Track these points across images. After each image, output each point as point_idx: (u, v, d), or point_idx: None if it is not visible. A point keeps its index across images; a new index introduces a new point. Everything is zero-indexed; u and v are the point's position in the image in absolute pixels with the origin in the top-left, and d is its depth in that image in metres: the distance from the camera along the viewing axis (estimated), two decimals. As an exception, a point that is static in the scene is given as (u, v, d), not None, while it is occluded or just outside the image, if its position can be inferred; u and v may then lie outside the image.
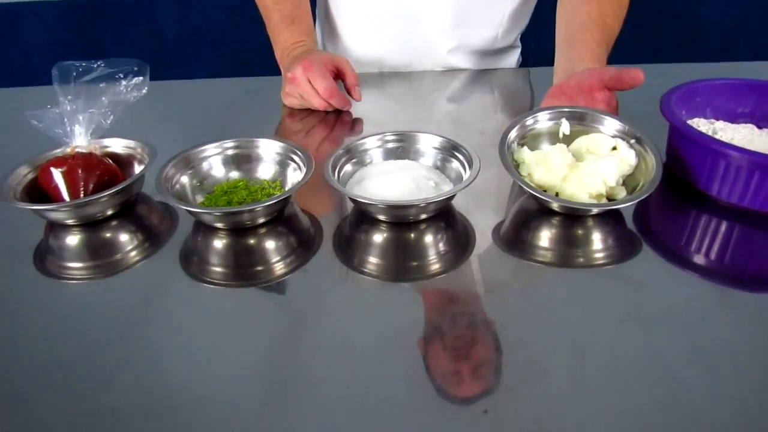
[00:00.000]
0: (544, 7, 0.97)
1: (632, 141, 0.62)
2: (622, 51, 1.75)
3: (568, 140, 0.65)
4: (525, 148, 0.63)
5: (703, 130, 0.65)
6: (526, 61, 1.07)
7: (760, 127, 0.69)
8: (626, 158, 0.60)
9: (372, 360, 0.46)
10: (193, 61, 1.68)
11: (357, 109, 0.87)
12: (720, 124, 0.68)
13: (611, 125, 0.64)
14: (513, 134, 0.63)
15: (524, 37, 1.07)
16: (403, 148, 0.66)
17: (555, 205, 0.58)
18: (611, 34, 0.78)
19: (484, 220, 0.61)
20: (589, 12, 0.78)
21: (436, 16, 0.93)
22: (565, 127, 0.65)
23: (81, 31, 1.60)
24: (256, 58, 1.70)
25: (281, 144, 0.65)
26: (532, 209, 0.61)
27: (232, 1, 1.62)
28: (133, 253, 0.59)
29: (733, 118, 0.70)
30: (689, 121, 0.68)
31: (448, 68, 0.99)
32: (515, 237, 0.59)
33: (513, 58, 1.04)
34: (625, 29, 1.76)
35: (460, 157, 0.63)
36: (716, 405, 0.42)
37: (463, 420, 0.41)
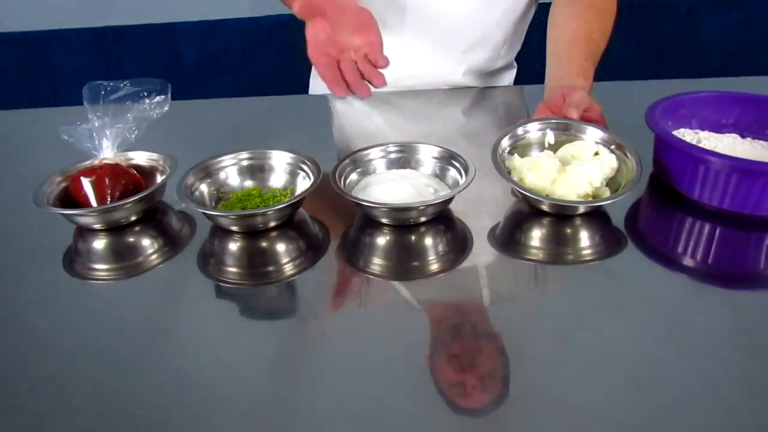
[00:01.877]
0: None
1: (612, 147, 0.67)
2: (626, 71, 1.81)
3: (553, 149, 0.70)
4: (515, 155, 0.68)
5: (688, 140, 0.69)
6: (522, 80, 1.12)
7: (743, 137, 0.73)
8: (608, 162, 0.65)
9: (374, 346, 0.51)
10: (210, 85, 1.76)
11: (367, 125, 0.92)
12: (704, 134, 0.72)
13: (593, 134, 0.69)
14: (504, 143, 0.68)
15: (526, 58, 1.12)
16: (404, 158, 0.70)
17: (545, 205, 0.63)
18: (597, 49, 0.83)
19: (481, 223, 0.65)
20: (577, 29, 0.83)
21: (451, 43, 0.99)
22: (549, 137, 0.70)
23: (105, 57, 1.69)
24: (271, 81, 1.77)
25: (291, 155, 0.70)
26: (525, 211, 0.66)
27: (249, 28, 1.70)
28: (155, 256, 0.64)
29: (717, 129, 0.74)
30: (675, 132, 0.72)
31: (452, 87, 1.04)
32: (509, 237, 0.64)
33: (510, 77, 1.09)
34: (627, 49, 1.80)
35: (457, 165, 0.67)
36: (689, 383, 0.45)
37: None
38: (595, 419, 0.43)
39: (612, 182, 0.66)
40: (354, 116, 0.99)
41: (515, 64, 1.10)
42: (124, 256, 0.65)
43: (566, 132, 0.70)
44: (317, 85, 1.13)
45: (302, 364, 0.49)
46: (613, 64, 1.78)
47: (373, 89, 1.02)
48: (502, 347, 0.50)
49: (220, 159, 0.70)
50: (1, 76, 1.71)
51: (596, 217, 0.64)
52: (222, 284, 0.59)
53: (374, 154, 0.70)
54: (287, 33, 1.70)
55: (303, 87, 1.17)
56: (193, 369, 0.50)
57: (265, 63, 1.75)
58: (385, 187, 0.66)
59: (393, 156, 0.70)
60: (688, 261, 0.60)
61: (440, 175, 0.69)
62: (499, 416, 0.44)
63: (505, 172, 0.64)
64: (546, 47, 0.87)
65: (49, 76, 1.71)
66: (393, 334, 0.52)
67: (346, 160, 0.68)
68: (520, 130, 0.70)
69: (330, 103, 1.03)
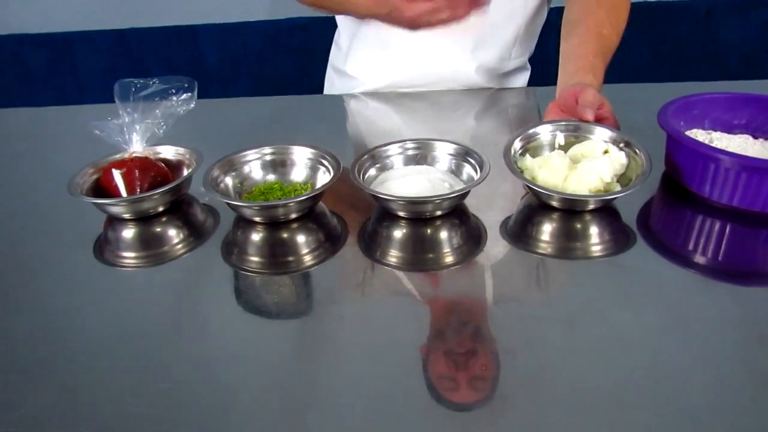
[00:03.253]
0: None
1: (621, 144, 0.69)
2: (642, 73, 1.81)
3: (563, 149, 0.71)
4: (527, 156, 0.71)
5: (701, 140, 0.70)
6: (536, 83, 1.13)
7: (755, 138, 0.74)
8: (617, 158, 0.67)
9: (390, 333, 0.53)
10: (230, 85, 1.79)
11: (382, 124, 0.95)
12: (717, 134, 0.73)
13: (602, 134, 0.71)
14: (516, 145, 0.71)
15: (541, 61, 1.13)
16: (421, 155, 0.73)
17: (556, 199, 0.64)
18: (608, 44, 0.84)
19: (494, 218, 0.67)
20: (587, 26, 0.84)
21: (459, 42, 1.00)
22: (559, 138, 0.72)
23: (129, 57, 1.73)
24: (289, 82, 1.81)
25: (312, 150, 0.73)
26: (536, 207, 0.68)
27: (268, 30, 1.73)
28: (180, 245, 0.67)
29: (729, 129, 0.76)
30: (688, 132, 0.73)
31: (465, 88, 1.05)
32: (521, 232, 0.65)
33: (524, 80, 1.11)
34: (645, 52, 1.81)
35: (472, 161, 0.69)
36: (694, 371, 0.47)
37: (467, 379, 0.48)
38: (601, 403, 0.45)
39: (622, 179, 0.67)
40: (369, 116, 1.01)
41: (529, 66, 1.11)
42: (151, 245, 0.68)
43: (575, 133, 0.72)
44: (331, 86, 1.16)
45: (321, 348, 0.52)
46: (630, 66, 1.79)
47: (384, 90, 1.05)
48: (509, 330, 0.52)
49: (244, 153, 0.73)
50: (29, 75, 1.77)
51: (607, 213, 0.66)
52: (244, 272, 0.62)
53: (392, 150, 0.72)
54: (305, 35, 1.73)
55: (320, 88, 1.20)
56: (218, 350, 0.52)
57: (284, 64, 1.78)
58: (403, 182, 0.68)
59: (410, 152, 0.73)
60: (697, 257, 0.61)
61: (456, 171, 0.71)
62: (510, 400, 0.46)
63: (517, 171, 0.66)
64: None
65: (75, 76, 1.76)
66: (409, 321, 0.54)
67: (365, 156, 0.71)
68: (531, 132, 0.72)
69: (345, 103, 1.06)
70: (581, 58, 0.80)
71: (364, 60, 1.06)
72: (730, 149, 0.69)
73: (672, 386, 0.46)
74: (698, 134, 0.74)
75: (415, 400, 0.46)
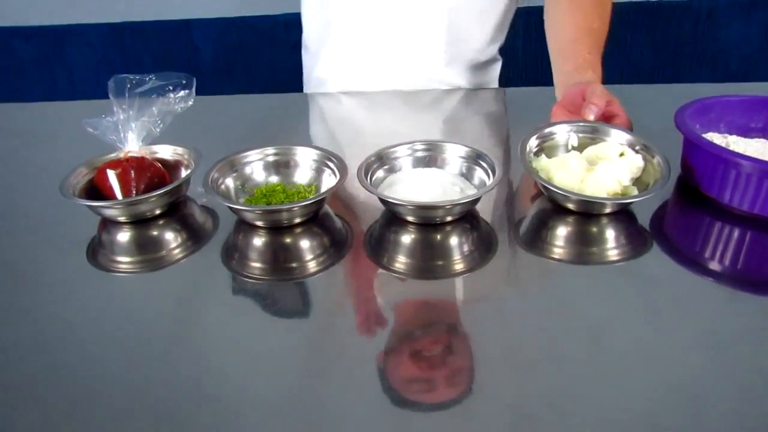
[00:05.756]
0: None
1: (637, 147, 0.67)
2: (643, 73, 1.80)
3: (578, 150, 0.69)
4: (542, 156, 0.68)
5: (718, 144, 0.68)
6: (506, 72, 1.11)
7: (772, 142, 0.72)
8: (634, 161, 0.65)
9: (401, 340, 0.50)
10: (226, 81, 1.76)
11: (388, 126, 0.92)
12: (733, 138, 0.71)
13: (618, 136, 0.69)
14: (532, 143, 0.68)
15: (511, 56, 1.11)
16: (431, 157, 0.70)
17: (573, 201, 0.62)
18: (600, 37, 0.82)
19: (506, 223, 0.65)
20: (576, 22, 0.82)
21: (431, 36, 0.97)
22: (573, 140, 0.70)
23: (122, 52, 1.69)
24: (287, 79, 1.77)
25: (317, 151, 0.70)
26: (551, 211, 0.65)
27: (265, 25, 1.70)
28: (178, 250, 0.64)
29: (746, 133, 0.74)
30: (703, 135, 0.71)
31: (440, 84, 1.03)
32: (535, 237, 0.63)
33: (496, 71, 1.08)
34: (646, 52, 1.79)
35: (484, 165, 0.67)
36: (722, 386, 0.45)
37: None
38: (636, 426, 0.42)
39: (638, 183, 0.65)
40: (377, 116, 0.99)
41: (500, 57, 1.09)
42: (147, 249, 0.65)
43: (592, 134, 0.70)
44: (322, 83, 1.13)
45: (330, 361, 0.49)
46: (632, 67, 1.77)
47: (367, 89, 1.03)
48: (530, 344, 0.50)
49: (245, 153, 0.70)
50: (19, 68, 1.72)
51: (623, 217, 0.64)
52: (246, 279, 0.59)
53: (401, 151, 0.70)
54: (302, 31, 1.70)
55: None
56: (218, 362, 0.49)
57: (281, 60, 1.75)
58: (411, 185, 0.66)
59: (420, 154, 0.70)
60: (718, 266, 0.59)
61: (466, 175, 0.68)
62: (536, 420, 0.43)
63: (532, 170, 0.64)
64: (547, 44, 0.86)
65: (66, 71, 1.72)
66: (417, 326, 0.52)
67: (373, 157, 0.68)
68: (547, 131, 0.70)
69: (350, 101, 1.03)
70: (578, 56, 0.79)
71: (335, 61, 1.03)
72: (747, 154, 0.67)
73: (707, 408, 0.43)
74: (714, 138, 0.72)
75: (432, 418, 0.43)
